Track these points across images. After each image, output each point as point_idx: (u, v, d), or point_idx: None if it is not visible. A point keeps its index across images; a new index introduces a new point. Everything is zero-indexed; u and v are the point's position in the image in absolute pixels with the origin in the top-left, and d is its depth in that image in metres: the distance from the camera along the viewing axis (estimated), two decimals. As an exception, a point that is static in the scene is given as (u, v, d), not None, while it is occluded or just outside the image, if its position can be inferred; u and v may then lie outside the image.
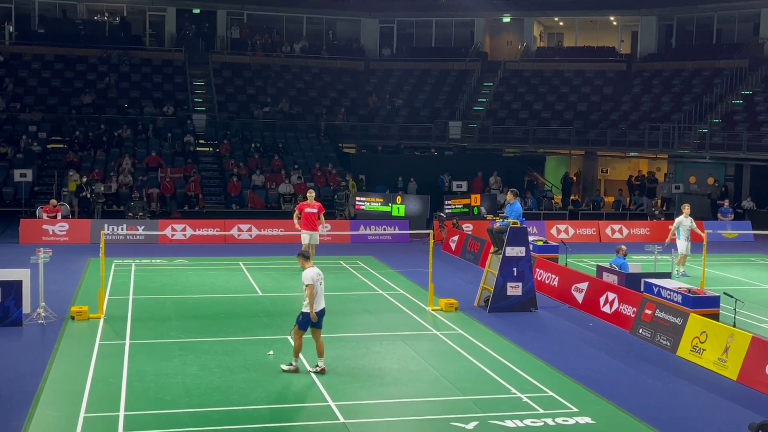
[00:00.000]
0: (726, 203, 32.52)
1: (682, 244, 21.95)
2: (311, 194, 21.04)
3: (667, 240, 21.99)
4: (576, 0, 43.04)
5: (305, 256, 12.93)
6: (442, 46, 45.65)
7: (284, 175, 33.63)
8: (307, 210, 20.60)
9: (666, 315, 15.17)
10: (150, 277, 20.47)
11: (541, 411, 11.39)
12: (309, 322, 12.54)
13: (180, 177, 32.57)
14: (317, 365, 12.76)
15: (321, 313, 12.64)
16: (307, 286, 12.37)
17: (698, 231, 21.83)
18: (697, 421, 11.42)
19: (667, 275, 18.36)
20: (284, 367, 12.83)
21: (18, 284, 15.36)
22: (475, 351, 14.35)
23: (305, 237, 20.60)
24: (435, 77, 43.76)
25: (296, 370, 12.74)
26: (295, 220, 20.74)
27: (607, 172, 41.97)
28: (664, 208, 33.55)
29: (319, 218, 20.76)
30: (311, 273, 12.48)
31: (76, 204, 29.13)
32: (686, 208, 22.49)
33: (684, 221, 22.04)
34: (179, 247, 25.18)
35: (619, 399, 12.00)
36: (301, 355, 13.02)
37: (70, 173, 30.59)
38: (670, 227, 23.10)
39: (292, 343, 13.01)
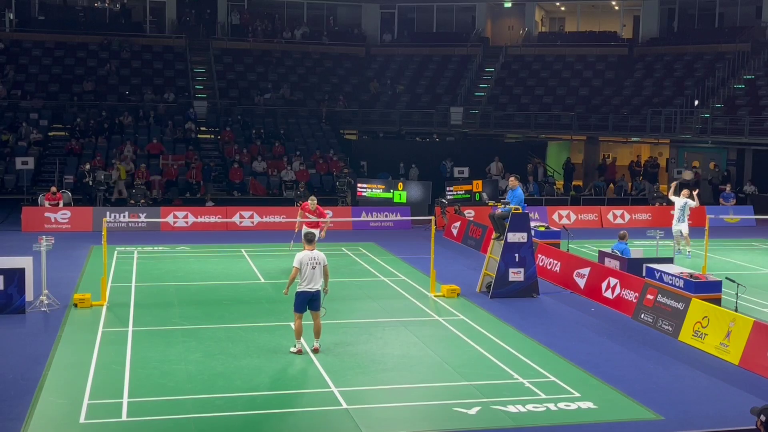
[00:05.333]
0: (728, 188, 32.47)
1: (685, 227, 22.64)
2: (312, 201, 20.07)
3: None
4: (577, -16, 42.92)
5: (308, 240, 13.36)
6: (443, 32, 45.48)
7: (286, 161, 33.60)
8: (307, 215, 20.37)
9: (668, 300, 15.19)
10: (152, 265, 20.51)
11: (543, 396, 11.43)
12: (301, 304, 12.91)
13: (181, 164, 32.56)
14: (313, 345, 13.20)
15: (307, 295, 12.89)
16: (293, 268, 12.91)
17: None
18: (699, 405, 11.44)
19: (669, 260, 18.35)
20: (292, 349, 13.19)
21: (21, 272, 15.41)
22: (477, 336, 14.38)
23: (304, 229, 20.39)
24: (436, 63, 43.61)
25: (299, 352, 13.03)
26: (297, 219, 20.56)
27: (609, 157, 41.88)
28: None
29: (320, 225, 20.23)
30: (300, 255, 12.99)
31: None
32: (685, 192, 23.21)
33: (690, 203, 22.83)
34: (181, 235, 25.19)
35: (621, 384, 12.03)
36: (302, 339, 13.15)
37: None
38: (672, 212, 23.45)
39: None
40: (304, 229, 20.41)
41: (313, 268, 12.88)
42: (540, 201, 32.40)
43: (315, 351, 13.08)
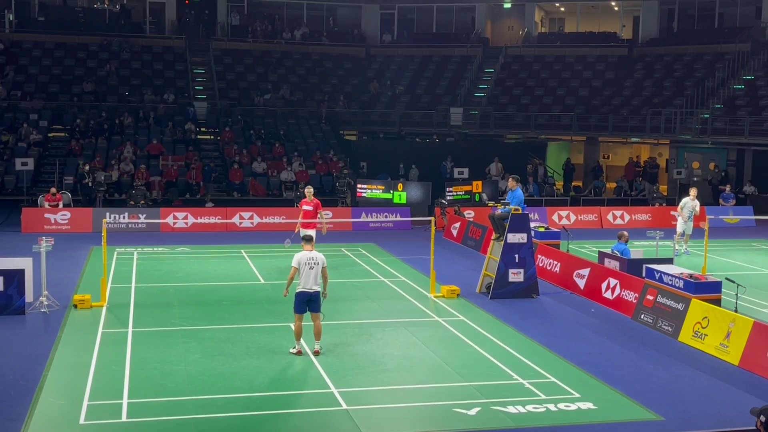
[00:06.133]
0: (728, 188, 32.47)
1: (690, 225, 23.41)
2: (309, 191, 20.41)
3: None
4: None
5: (306, 240, 13.46)
6: (443, 32, 45.48)
7: (286, 162, 33.60)
8: (305, 207, 20.43)
9: (668, 300, 15.19)
10: (152, 265, 20.51)
11: (543, 397, 11.43)
12: (301, 305, 12.93)
13: (181, 164, 32.56)
14: (314, 347, 13.20)
15: (305, 296, 12.89)
16: (292, 268, 13.03)
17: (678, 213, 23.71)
18: (699, 405, 11.45)
19: (669, 261, 18.36)
20: (291, 350, 13.22)
21: (20, 273, 15.40)
22: (477, 337, 14.38)
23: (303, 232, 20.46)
24: (436, 63, 43.62)
25: (299, 353, 13.06)
26: (298, 220, 20.59)
27: (609, 157, 41.92)
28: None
29: (318, 215, 20.35)
30: (299, 255, 13.07)
31: None
32: (693, 190, 23.98)
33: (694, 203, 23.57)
34: (181, 235, 25.19)
35: (621, 384, 12.03)
36: (302, 340, 13.16)
37: None
38: (672, 212, 23.70)
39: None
40: (303, 231, 20.44)
41: (311, 268, 12.92)
42: (540, 201, 32.39)
43: (316, 354, 13.05)
